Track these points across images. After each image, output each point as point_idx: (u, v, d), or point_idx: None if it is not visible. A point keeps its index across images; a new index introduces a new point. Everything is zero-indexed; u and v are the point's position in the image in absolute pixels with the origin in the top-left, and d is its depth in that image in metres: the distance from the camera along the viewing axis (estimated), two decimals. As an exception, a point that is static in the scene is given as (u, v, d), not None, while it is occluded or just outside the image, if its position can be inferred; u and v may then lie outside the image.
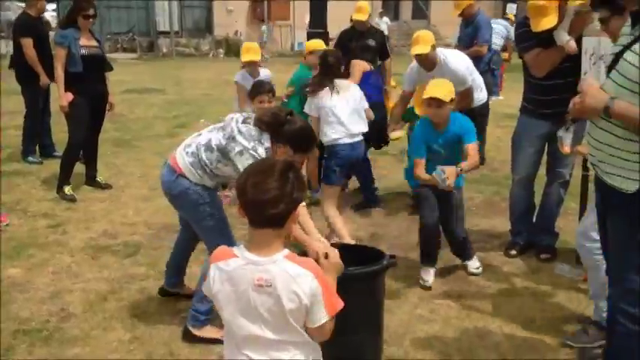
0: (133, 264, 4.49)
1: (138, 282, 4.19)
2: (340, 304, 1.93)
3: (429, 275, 4.13)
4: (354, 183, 6.21)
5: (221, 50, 25.43)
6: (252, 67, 5.72)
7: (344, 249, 3.25)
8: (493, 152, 7.65)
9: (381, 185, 6.11)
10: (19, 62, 7.04)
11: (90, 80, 5.81)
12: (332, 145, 4.68)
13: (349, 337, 2.71)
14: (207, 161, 3.25)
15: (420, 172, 4.06)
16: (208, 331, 3.41)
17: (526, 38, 4.27)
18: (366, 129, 4.84)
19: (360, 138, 4.81)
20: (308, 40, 9.01)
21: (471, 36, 7.02)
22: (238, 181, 1.94)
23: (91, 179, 6.36)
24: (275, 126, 3.20)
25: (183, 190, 3.29)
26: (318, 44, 5.97)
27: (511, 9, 12.73)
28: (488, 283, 4.23)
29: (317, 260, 2.02)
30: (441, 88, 3.96)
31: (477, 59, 6.15)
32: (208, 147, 3.25)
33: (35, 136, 7.38)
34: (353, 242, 4.61)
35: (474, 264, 4.33)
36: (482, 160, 6.97)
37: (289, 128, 3.20)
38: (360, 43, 6.37)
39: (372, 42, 6.42)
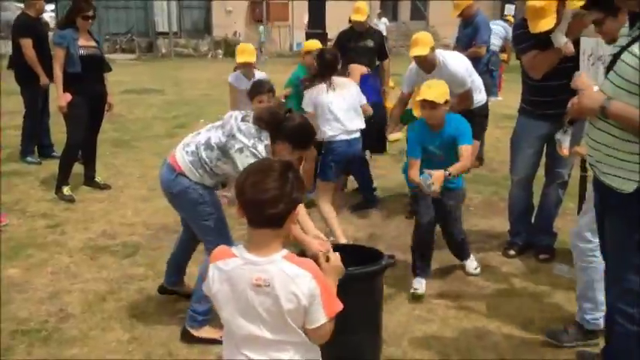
0: (132, 264, 4.49)
1: (136, 282, 4.19)
2: (339, 307, 1.92)
3: (421, 283, 4.03)
4: (352, 183, 6.22)
5: (220, 51, 25.42)
6: (246, 68, 5.65)
7: (342, 249, 3.27)
8: (492, 153, 7.66)
9: (379, 185, 6.11)
10: (18, 63, 7.03)
11: (89, 81, 5.81)
12: (329, 142, 4.73)
13: (348, 337, 2.71)
14: (207, 160, 3.26)
15: (414, 174, 4.00)
16: (207, 332, 3.41)
17: (524, 39, 4.27)
18: (363, 125, 4.87)
19: (357, 135, 4.84)
20: (307, 40, 9.03)
21: (469, 37, 7.01)
22: (237, 180, 1.94)
23: (89, 180, 6.36)
24: (274, 123, 3.22)
25: (182, 189, 3.29)
26: (314, 44, 5.97)
27: (509, 10, 12.71)
28: (486, 283, 4.23)
29: (317, 261, 2.02)
30: (434, 90, 3.90)
31: (475, 60, 6.15)
32: (208, 145, 3.26)
33: (34, 137, 7.38)
34: (344, 239, 4.72)
35: (472, 264, 4.33)
36: (481, 160, 7.00)
37: (288, 125, 3.24)
38: (359, 44, 6.38)
39: (370, 43, 6.43)
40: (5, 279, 4.20)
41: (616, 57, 2.45)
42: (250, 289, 1.87)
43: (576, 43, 4.01)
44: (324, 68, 4.79)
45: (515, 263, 4.57)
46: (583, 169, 4.16)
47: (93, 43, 5.94)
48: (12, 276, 4.26)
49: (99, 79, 5.99)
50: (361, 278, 3.04)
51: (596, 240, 3.23)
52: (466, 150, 3.98)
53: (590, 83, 2.85)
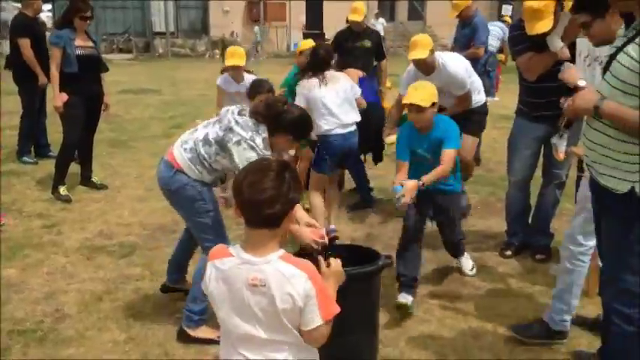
0: (129, 264, 4.48)
1: (133, 282, 4.18)
2: (336, 310, 1.91)
3: (406, 297, 3.75)
4: (349, 184, 6.22)
5: (217, 51, 25.42)
6: (236, 71, 5.56)
7: (340, 249, 3.27)
8: (489, 153, 7.67)
9: (376, 186, 6.11)
10: (16, 62, 7.02)
11: (85, 81, 5.80)
12: (324, 136, 4.76)
13: (345, 338, 2.71)
14: (205, 155, 3.26)
15: (401, 176, 3.85)
16: (203, 332, 3.41)
17: (520, 41, 4.27)
18: (358, 118, 4.90)
19: (353, 128, 4.86)
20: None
21: (468, 37, 7.02)
22: (235, 180, 1.94)
23: (86, 180, 6.35)
24: (272, 116, 3.24)
25: (181, 185, 3.29)
26: (308, 44, 5.96)
27: (506, 10, 12.73)
28: (483, 283, 4.24)
29: (317, 266, 2.00)
30: (420, 93, 3.77)
31: (473, 61, 6.16)
32: (206, 141, 3.27)
33: (31, 137, 7.37)
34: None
35: (467, 265, 4.31)
36: (478, 161, 7.00)
37: (288, 117, 3.28)
38: (356, 44, 6.38)
39: (367, 43, 6.43)
40: (2, 279, 4.18)
41: (612, 58, 2.46)
42: (246, 288, 1.87)
43: (572, 44, 4.01)
44: (317, 64, 4.80)
45: (511, 263, 4.57)
46: (580, 169, 4.16)
47: (90, 43, 5.93)
48: (8, 276, 4.25)
49: (96, 79, 5.98)
50: (358, 278, 3.03)
51: (588, 243, 3.25)
52: (448, 154, 3.81)
53: (578, 75, 2.86)
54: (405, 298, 3.70)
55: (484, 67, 8.02)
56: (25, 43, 6.82)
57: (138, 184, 6.54)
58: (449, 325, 3.65)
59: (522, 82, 4.44)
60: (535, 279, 4.25)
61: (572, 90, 2.93)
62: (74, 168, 6.30)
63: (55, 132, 7.10)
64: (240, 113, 3.26)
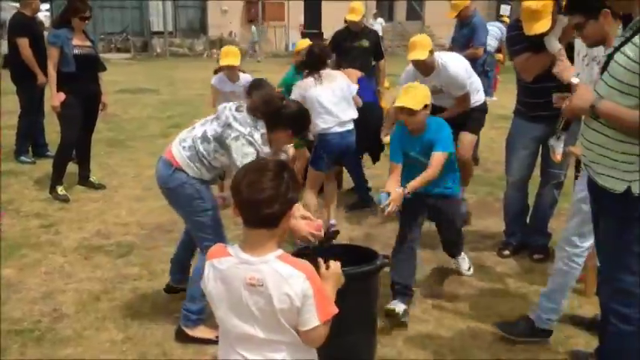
0: (126, 264, 4.48)
1: (131, 282, 4.18)
2: (334, 311, 1.90)
3: (398, 305, 3.62)
4: (347, 183, 6.22)
5: (215, 51, 25.39)
6: (230, 71, 5.53)
7: (338, 249, 3.27)
8: (487, 153, 7.68)
9: (374, 185, 6.09)
10: (15, 62, 7.01)
11: (83, 80, 5.79)
12: (322, 134, 4.79)
13: (343, 338, 2.71)
14: (204, 153, 3.27)
15: (394, 177, 3.77)
16: (201, 331, 3.41)
17: (517, 41, 4.28)
18: (355, 115, 4.92)
19: (351, 127, 4.89)
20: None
21: (467, 37, 7.02)
22: (233, 180, 1.94)
23: (84, 179, 6.34)
24: (272, 112, 3.26)
25: (180, 183, 3.29)
26: (305, 44, 5.96)
27: (505, 10, 12.74)
28: (481, 283, 4.24)
29: (316, 267, 2.00)
30: (411, 96, 3.67)
31: (472, 61, 6.16)
32: (205, 138, 3.27)
33: (29, 136, 7.37)
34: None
35: (464, 265, 4.30)
36: (476, 160, 7.00)
37: (287, 112, 3.31)
38: (354, 44, 6.38)
39: (365, 42, 6.43)
40: (1, 279, 4.18)
41: (610, 57, 2.47)
42: (244, 288, 1.86)
43: (570, 46, 4.01)
44: (313, 62, 4.82)
45: (509, 263, 4.58)
46: (577, 169, 4.17)
47: (87, 43, 5.93)
48: (5, 276, 4.24)
49: (93, 78, 5.98)
50: (356, 278, 3.04)
51: (583, 245, 3.25)
52: (437, 158, 3.69)
53: (572, 72, 2.87)
54: (395, 305, 3.60)
55: (482, 67, 8.02)
56: (23, 43, 6.81)
57: (136, 183, 6.53)
58: (447, 324, 3.65)
59: (520, 83, 4.45)
60: (533, 279, 4.26)
61: (565, 86, 2.94)
62: (72, 167, 6.29)
63: (52, 132, 7.09)
64: (237, 110, 3.27)
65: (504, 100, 9.36)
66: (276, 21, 27.15)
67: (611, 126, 2.47)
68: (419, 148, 3.79)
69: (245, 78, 5.59)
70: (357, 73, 5.77)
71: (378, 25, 23.58)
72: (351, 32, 6.47)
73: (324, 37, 19.73)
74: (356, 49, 6.33)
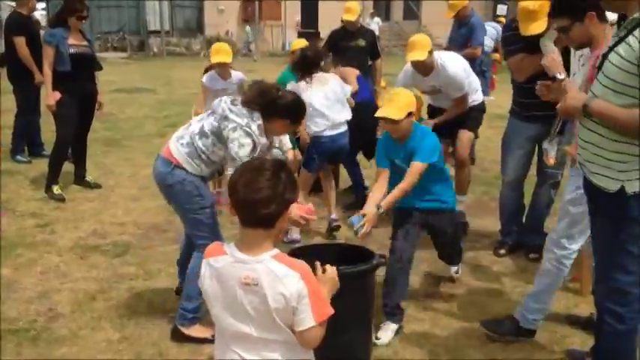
0: (122, 264, 4.47)
1: (127, 282, 4.17)
2: (329, 311, 1.90)
3: (387, 331, 3.48)
4: (344, 183, 6.22)
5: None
6: (222, 69, 5.46)
7: (335, 248, 3.27)
8: (483, 152, 7.68)
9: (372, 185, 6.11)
10: (11, 61, 6.99)
11: (79, 79, 5.79)
12: (315, 137, 4.83)
13: (339, 337, 2.71)
14: (203, 148, 3.27)
15: (380, 182, 3.64)
16: (196, 330, 3.40)
17: (513, 41, 4.28)
18: (349, 116, 4.95)
19: (344, 129, 4.91)
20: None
21: (465, 37, 7.01)
22: (230, 179, 1.94)
23: (80, 179, 6.33)
24: (268, 102, 3.28)
25: (179, 180, 3.29)
26: (301, 44, 5.96)
27: (502, 10, 12.77)
28: (477, 282, 4.25)
29: (312, 270, 1.99)
30: (395, 105, 3.53)
31: (470, 61, 6.16)
32: (203, 134, 3.28)
33: (25, 135, 7.35)
34: (297, 234, 4.86)
35: (454, 268, 4.21)
36: (472, 160, 7.01)
37: (283, 102, 3.33)
38: (350, 44, 6.38)
39: (362, 42, 6.44)
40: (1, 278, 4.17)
41: (604, 57, 2.47)
42: (239, 287, 1.86)
43: (565, 48, 4.00)
44: (305, 66, 4.84)
45: (505, 262, 4.58)
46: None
47: (84, 42, 5.92)
48: (1, 275, 4.23)
49: (89, 77, 5.97)
50: (352, 277, 3.04)
51: (572, 247, 3.26)
52: (414, 167, 3.50)
53: (559, 66, 2.88)
54: (384, 332, 3.47)
55: (479, 66, 8.03)
56: (20, 42, 6.80)
57: (132, 183, 6.52)
58: (442, 324, 3.66)
59: (515, 83, 4.46)
60: (529, 278, 4.25)
61: (550, 78, 2.95)
62: (68, 167, 6.28)
63: (48, 131, 7.07)
64: (233, 103, 3.29)
65: (501, 100, 9.38)
66: (272, 20, 27.13)
67: (604, 125, 2.48)
68: (402, 155, 3.65)
69: (237, 75, 5.56)
70: (355, 72, 5.77)
71: (375, 24, 23.58)
72: (348, 32, 6.48)
73: (321, 36, 19.73)
74: (352, 49, 6.33)
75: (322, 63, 5.02)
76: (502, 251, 4.70)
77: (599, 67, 2.52)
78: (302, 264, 1.90)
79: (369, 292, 3.19)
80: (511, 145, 4.56)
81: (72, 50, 5.71)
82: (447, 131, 5.04)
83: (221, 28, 26.45)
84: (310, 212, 2.94)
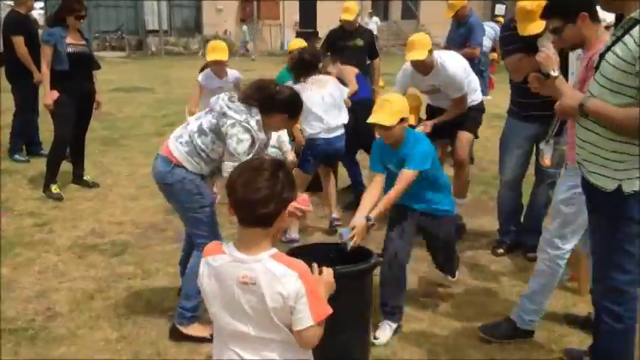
0: (120, 263, 4.47)
1: (125, 281, 4.17)
2: (327, 311, 1.89)
3: (385, 330, 3.48)
4: (343, 182, 6.22)
5: (211, 49, 25.30)
6: (218, 67, 5.39)
7: (333, 247, 3.27)
8: (481, 152, 7.69)
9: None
10: (9, 60, 6.98)
11: (77, 78, 5.78)
12: (310, 139, 4.84)
13: (337, 336, 2.71)
14: (202, 146, 3.27)
15: (375, 186, 3.59)
16: (195, 329, 3.40)
17: (511, 41, 4.28)
18: (346, 120, 4.95)
19: (340, 132, 4.91)
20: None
21: (463, 37, 7.01)
22: (229, 179, 1.94)
23: (78, 178, 6.32)
24: (264, 98, 3.28)
25: (179, 179, 3.29)
26: (298, 44, 5.95)
27: (500, 10, 12.78)
28: (475, 281, 4.25)
29: (311, 269, 1.99)
30: (386, 111, 3.44)
31: (469, 61, 6.15)
32: (202, 132, 3.28)
33: (23, 135, 7.34)
34: (296, 234, 4.82)
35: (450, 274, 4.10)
36: (471, 160, 7.01)
37: (281, 97, 3.33)
38: (348, 43, 6.38)
39: (360, 41, 6.44)
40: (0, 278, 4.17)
41: (601, 57, 2.48)
42: (237, 286, 1.86)
43: (563, 49, 3.99)
44: (302, 68, 4.84)
45: (503, 262, 4.59)
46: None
47: (82, 41, 5.91)
48: (0, 275, 4.22)
49: (87, 77, 5.96)
50: (351, 276, 3.04)
51: (565, 247, 3.26)
52: (404, 174, 3.43)
53: (554, 64, 2.88)
54: (383, 331, 3.47)
55: (477, 66, 8.02)
56: (19, 41, 6.79)
57: (130, 182, 6.52)
58: (441, 323, 3.66)
59: (513, 82, 4.45)
60: (527, 277, 4.21)
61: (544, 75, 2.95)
62: (66, 166, 6.27)
63: (46, 130, 7.07)
64: (230, 99, 3.29)
65: (499, 100, 9.37)
66: (271, 20, 27.13)
67: (601, 124, 2.49)
68: (395, 161, 3.58)
69: (233, 74, 5.51)
70: (354, 71, 5.78)
71: (374, 24, 23.60)
72: (346, 31, 6.48)
73: (319, 35, 19.73)
74: (350, 48, 6.33)
75: (320, 65, 5.01)
76: (500, 251, 4.70)
77: (597, 67, 2.53)
78: (300, 263, 1.90)
79: (367, 291, 3.19)
80: (509, 145, 4.56)
81: (70, 49, 5.71)
82: (446, 132, 5.04)
83: (219, 28, 26.44)
84: (306, 203, 2.94)
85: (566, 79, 3.86)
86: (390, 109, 3.45)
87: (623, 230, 2.53)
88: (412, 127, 4.88)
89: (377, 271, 3.29)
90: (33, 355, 3.29)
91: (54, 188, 5.90)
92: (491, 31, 10.21)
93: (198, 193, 3.32)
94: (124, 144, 8.35)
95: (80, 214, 5.52)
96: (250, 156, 3.14)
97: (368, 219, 3.33)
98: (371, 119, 3.49)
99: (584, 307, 3.73)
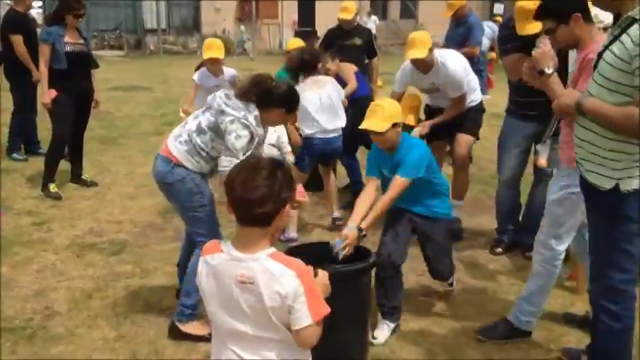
0: (119, 262, 4.47)
1: (123, 280, 4.17)
2: (326, 310, 1.89)
3: (383, 330, 3.48)
4: (341, 181, 6.22)
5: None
6: (214, 65, 5.31)
7: (329, 246, 3.27)
8: (480, 151, 7.68)
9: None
10: (8, 59, 6.97)
11: (75, 77, 5.78)
12: (307, 138, 4.88)
13: (335, 336, 2.71)
14: (202, 145, 3.28)
15: (369, 189, 3.56)
16: (194, 327, 3.41)
17: (509, 40, 4.28)
18: (343, 124, 4.96)
19: (337, 134, 4.93)
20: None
21: (463, 36, 7.01)
22: (228, 177, 1.94)
23: (76, 177, 6.32)
24: (263, 93, 3.30)
25: (179, 179, 3.30)
26: (296, 43, 5.94)
27: (499, 9, 12.81)
28: (474, 281, 4.25)
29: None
30: (378, 117, 3.40)
31: (469, 60, 6.14)
32: (200, 131, 3.29)
33: (22, 134, 7.33)
34: (294, 233, 4.82)
35: (448, 281, 3.95)
36: (470, 159, 7.00)
37: (279, 92, 3.36)
38: (346, 42, 6.38)
39: (358, 41, 6.44)
40: (0, 277, 4.17)
41: (599, 56, 2.49)
42: (235, 285, 1.86)
43: (560, 50, 3.99)
44: (302, 69, 4.87)
45: (502, 261, 4.59)
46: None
47: (80, 40, 5.90)
48: (1, 274, 4.23)
49: (85, 75, 5.96)
50: (349, 276, 3.04)
51: (559, 248, 3.26)
52: (396, 182, 3.40)
53: (550, 61, 2.89)
54: (381, 330, 3.48)
55: (476, 65, 8.02)
56: (17, 40, 6.77)
57: (128, 181, 6.51)
58: (439, 323, 3.66)
59: (511, 82, 4.46)
60: (525, 276, 4.22)
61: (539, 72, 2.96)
62: (64, 165, 6.27)
63: (44, 129, 7.05)
64: (227, 96, 3.30)
65: (498, 99, 9.37)
66: (269, 19, 27.10)
67: (599, 123, 2.50)
68: (390, 166, 3.54)
69: (229, 72, 5.45)
70: (353, 68, 5.78)
71: (372, 23, 23.57)
72: (344, 30, 6.47)
73: (318, 35, 19.72)
74: (348, 48, 6.32)
75: (320, 65, 5.03)
76: (499, 250, 4.71)
77: (595, 66, 2.53)
78: (298, 262, 1.90)
79: (365, 290, 3.19)
80: (507, 144, 4.56)
81: (68, 48, 5.70)
82: (445, 133, 5.01)
83: (218, 27, 26.38)
84: (302, 195, 2.95)
85: (567, 79, 3.88)
86: (382, 114, 3.40)
87: (621, 229, 2.54)
88: (412, 127, 4.90)
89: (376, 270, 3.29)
90: (31, 354, 3.29)
91: (52, 187, 5.90)
92: (489, 30, 10.22)
93: (198, 192, 3.32)
94: (123, 143, 8.34)
95: (78, 213, 5.52)
96: (249, 152, 3.17)
97: (360, 229, 3.28)
98: (363, 125, 3.46)
99: (582, 306, 3.73)
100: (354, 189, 5.87)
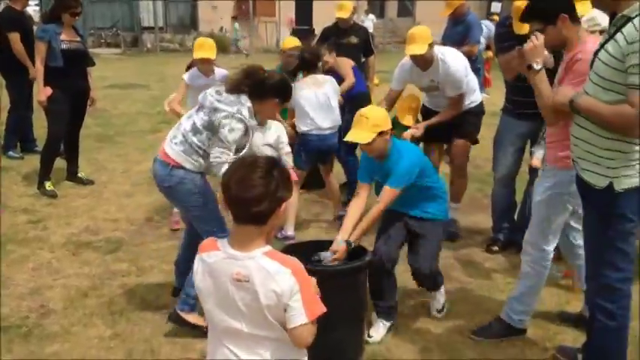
0: (115, 260, 4.46)
1: (119, 278, 4.16)
2: (321, 309, 1.89)
3: (379, 329, 3.47)
4: (340, 178, 6.21)
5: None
6: (205, 65, 5.12)
7: (328, 245, 3.27)
8: (476, 150, 7.60)
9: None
10: (4, 56, 6.95)
11: (71, 75, 5.77)
12: (303, 134, 4.92)
13: (330, 334, 2.71)
14: (199, 144, 3.29)
15: (362, 193, 3.51)
16: (195, 318, 3.41)
17: (506, 39, 4.27)
18: (338, 122, 5.01)
19: (333, 131, 4.97)
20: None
21: (461, 35, 7.00)
22: (224, 175, 1.94)
23: (72, 175, 6.31)
24: (255, 83, 3.31)
25: (179, 181, 3.32)
26: (290, 42, 5.92)
27: (496, 8, 12.82)
28: (469, 279, 4.26)
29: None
30: (362, 128, 3.34)
31: (468, 59, 6.13)
32: (195, 130, 3.30)
33: (18, 131, 7.31)
34: (291, 231, 4.81)
35: (437, 305, 3.73)
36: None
37: (272, 82, 3.38)
38: (342, 41, 6.37)
39: (354, 39, 6.44)
40: (-4, 275, 4.16)
41: (595, 55, 2.49)
42: (231, 283, 1.86)
43: (557, 52, 3.98)
44: (303, 67, 4.94)
45: (497, 259, 4.60)
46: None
47: (76, 38, 5.89)
48: (1, 273, 4.22)
49: (82, 73, 5.95)
50: (345, 274, 3.05)
51: (548, 248, 3.27)
52: (385, 192, 3.36)
53: (539, 57, 2.89)
54: (375, 330, 3.46)
55: (474, 64, 8.03)
56: (15, 38, 6.76)
57: (124, 179, 6.50)
58: (435, 321, 3.66)
59: (507, 80, 4.46)
60: (521, 275, 4.27)
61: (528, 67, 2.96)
62: (60, 163, 6.25)
63: (40, 127, 7.03)
64: (217, 93, 3.31)
65: (494, 98, 9.39)
66: (267, 17, 27.07)
67: (592, 121, 2.51)
68: (380, 174, 3.50)
69: (220, 72, 5.22)
70: (350, 63, 5.79)
71: (369, 21, 23.56)
72: (340, 29, 6.48)
73: (315, 33, 19.71)
74: (344, 46, 6.31)
75: (320, 63, 5.05)
76: (494, 248, 4.71)
77: (591, 66, 2.54)
78: (294, 260, 1.90)
79: (361, 289, 3.20)
80: (503, 142, 4.57)
81: (64, 46, 5.69)
82: (442, 135, 4.95)
83: (215, 25, 26.35)
84: (293, 177, 2.96)
85: None
86: (367, 124, 3.33)
87: (615, 228, 2.54)
88: (408, 127, 4.89)
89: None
90: (26, 353, 3.28)
91: (48, 185, 5.88)
92: (486, 29, 10.22)
93: (197, 192, 3.34)
94: (119, 141, 8.33)
95: (74, 211, 5.51)
96: (247, 146, 3.24)
97: (349, 244, 3.23)
98: (348, 137, 3.42)
99: (577, 304, 3.74)
100: (350, 189, 5.85)
